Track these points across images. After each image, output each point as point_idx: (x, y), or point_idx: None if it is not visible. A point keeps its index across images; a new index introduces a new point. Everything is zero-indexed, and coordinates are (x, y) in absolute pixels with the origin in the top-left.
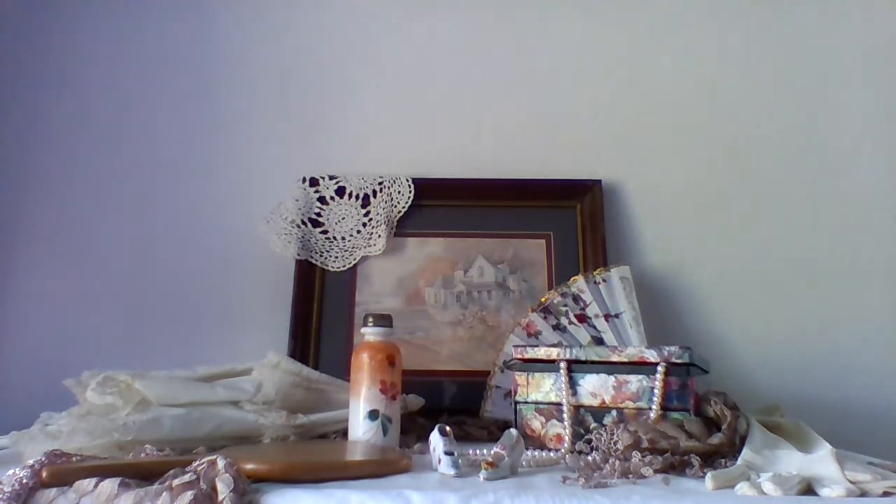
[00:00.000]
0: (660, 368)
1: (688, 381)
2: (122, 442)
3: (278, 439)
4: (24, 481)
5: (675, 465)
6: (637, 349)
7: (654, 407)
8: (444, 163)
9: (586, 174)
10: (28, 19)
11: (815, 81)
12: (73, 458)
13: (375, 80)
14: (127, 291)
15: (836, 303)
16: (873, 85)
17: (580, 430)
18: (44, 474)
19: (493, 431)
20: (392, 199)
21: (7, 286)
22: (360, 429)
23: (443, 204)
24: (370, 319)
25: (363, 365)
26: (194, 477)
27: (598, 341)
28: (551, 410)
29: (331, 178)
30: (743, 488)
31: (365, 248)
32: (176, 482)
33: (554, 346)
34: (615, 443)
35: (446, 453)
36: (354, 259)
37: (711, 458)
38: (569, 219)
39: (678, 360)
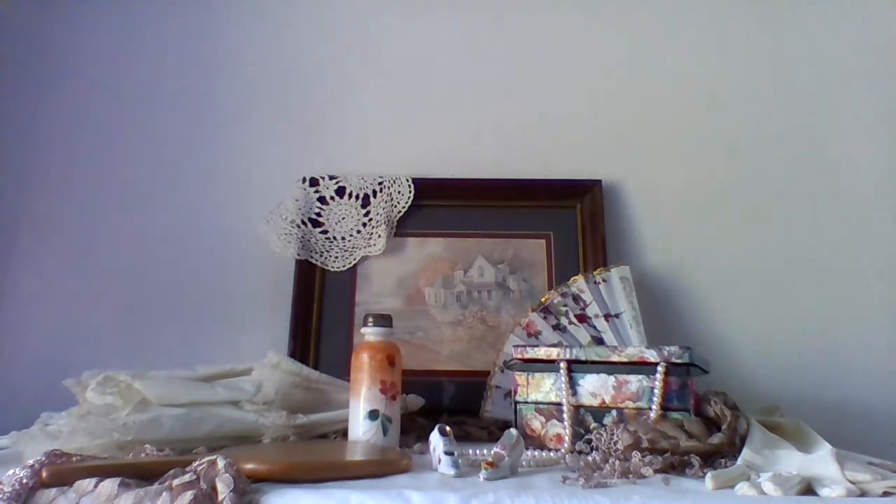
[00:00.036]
0: (660, 368)
1: (688, 381)
2: (122, 442)
3: (278, 439)
4: (24, 481)
5: (675, 465)
6: (637, 349)
7: (654, 407)
8: (444, 163)
9: (586, 174)
10: (28, 19)
11: (815, 81)
12: (73, 458)
13: (375, 80)
14: (127, 291)
15: (836, 303)
16: (873, 85)
17: (580, 430)
18: (44, 474)
19: (493, 431)
20: (392, 199)
21: (7, 286)
22: (360, 429)
23: (443, 204)
24: (370, 319)
25: (363, 365)
26: (194, 477)
27: (598, 341)
28: (551, 410)
29: (331, 178)
30: (743, 488)
31: (365, 248)
32: (176, 482)
33: (554, 346)
34: (615, 443)
35: (446, 453)
36: (354, 259)
37: (711, 458)
38: (569, 219)
39: (678, 360)
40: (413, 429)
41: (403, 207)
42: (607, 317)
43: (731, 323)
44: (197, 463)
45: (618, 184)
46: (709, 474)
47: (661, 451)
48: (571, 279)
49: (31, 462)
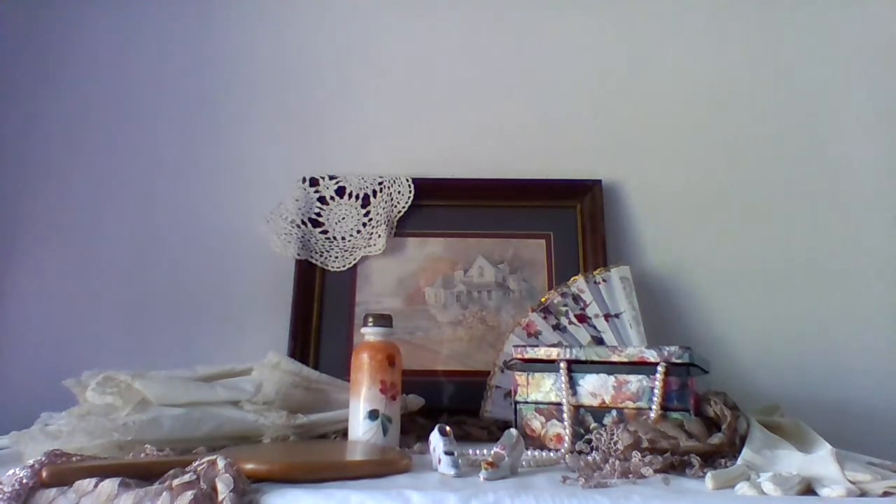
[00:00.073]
0: (660, 368)
1: (688, 381)
2: (122, 442)
3: (278, 439)
4: (24, 481)
5: (675, 465)
6: (637, 349)
7: (654, 407)
8: (444, 163)
9: (586, 174)
10: (28, 19)
11: (815, 81)
12: (73, 458)
13: (375, 80)
14: (127, 291)
15: (836, 303)
16: (873, 85)
17: (580, 430)
18: (44, 474)
19: (493, 431)
20: (392, 199)
21: (7, 286)
22: (360, 429)
23: (443, 204)
24: (370, 319)
25: (363, 365)
26: (194, 477)
27: (598, 341)
28: (551, 410)
29: (331, 178)
30: (743, 488)
31: (365, 248)
32: (176, 482)
33: (554, 346)
34: (615, 443)
35: (446, 453)
36: (354, 259)
37: (711, 458)
38: (569, 219)
39: (678, 360)
40: (413, 429)
41: (403, 207)
42: (607, 317)
43: (731, 323)
44: (197, 463)
45: (618, 184)
46: (709, 474)
47: (661, 451)
48: (571, 279)
49: (31, 462)
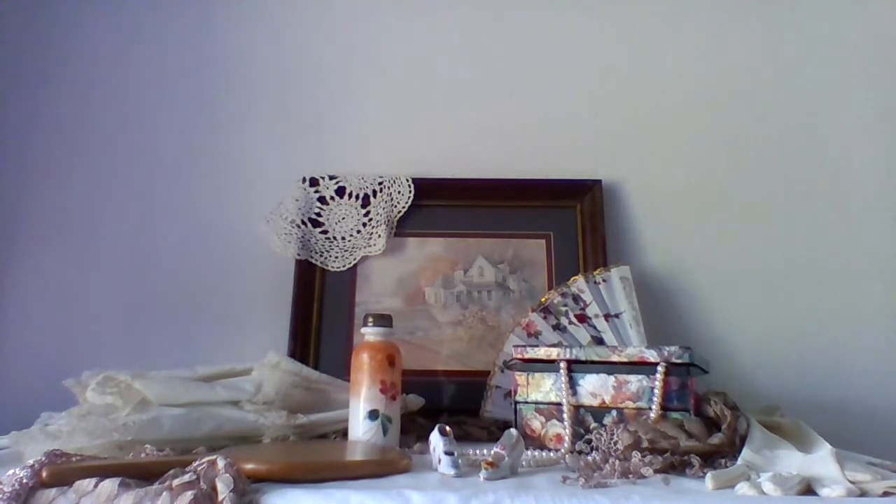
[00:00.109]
0: (660, 368)
1: (688, 381)
2: (122, 442)
3: (278, 439)
4: (24, 481)
5: (675, 465)
6: (637, 349)
7: (654, 407)
8: (444, 163)
9: (586, 174)
10: (28, 19)
11: (815, 81)
12: (73, 458)
13: (375, 80)
14: (127, 291)
15: (836, 303)
16: (873, 85)
17: (580, 430)
18: (44, 474)
19: (493, 431)
20: (392, 199)
21: (7, 286)
22: (360, 429)
23: (443, 204)
24: (370, 319)
25: (363, 365)
26: (194, 477)
27: (598, 341)
28: (551, 410)
29: (331, 178)
30: (743, 488)
31: (365, 248)
32: (176, 482)
33: (554, 346)
34: (615, 443)
35: (446, 453)
36: (354, 259)
37: (711, 458)
38: (569, 219)
39: (678, 360)
40: (413, 429)
41: (403, 207)
42: (607, 317)
43: (731, 323)
44: (197, 463)
45: (618, 184)
46: (709, 474)
47: (661, 451)
48: (571, 279)
49: (31, 462)
